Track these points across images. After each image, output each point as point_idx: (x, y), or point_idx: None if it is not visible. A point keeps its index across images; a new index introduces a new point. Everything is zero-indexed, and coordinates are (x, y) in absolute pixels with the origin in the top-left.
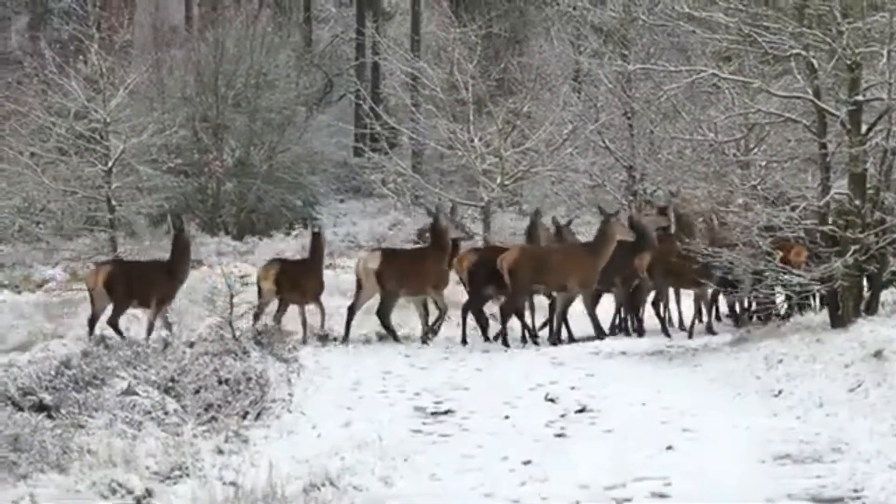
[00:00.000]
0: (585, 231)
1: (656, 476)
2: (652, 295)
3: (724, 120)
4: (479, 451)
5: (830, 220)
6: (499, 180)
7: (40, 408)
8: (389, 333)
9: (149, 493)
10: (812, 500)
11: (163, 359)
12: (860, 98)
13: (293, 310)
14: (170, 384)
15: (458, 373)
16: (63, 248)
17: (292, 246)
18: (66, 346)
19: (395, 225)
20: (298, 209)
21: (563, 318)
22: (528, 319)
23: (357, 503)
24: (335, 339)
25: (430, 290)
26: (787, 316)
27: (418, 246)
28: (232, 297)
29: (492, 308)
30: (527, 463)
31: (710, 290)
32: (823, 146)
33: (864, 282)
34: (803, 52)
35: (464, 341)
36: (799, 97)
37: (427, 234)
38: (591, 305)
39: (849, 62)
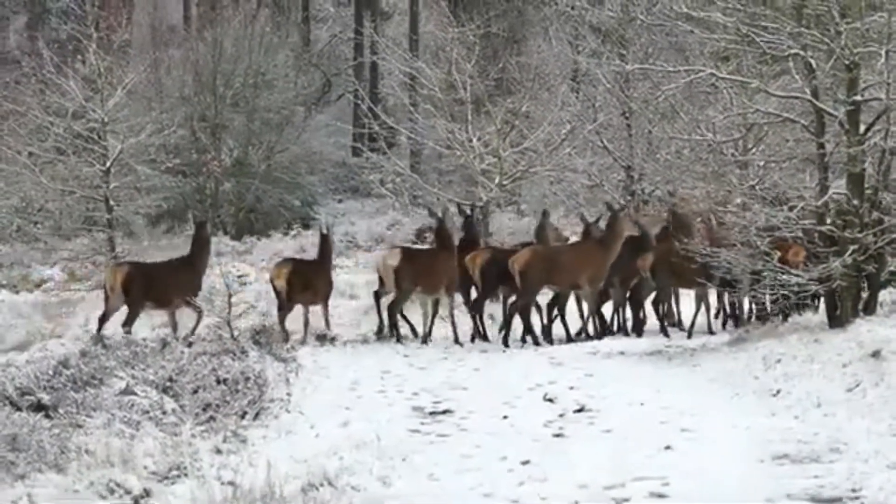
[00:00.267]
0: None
1: (655, 476)
2: (652, 295)
3: (722, 120)
4: (477, 450)
5: (829, 220)
6: (497, 180)
7: (38, 407)
8: (393, 330)
9: (147, 492)
10: (811, 499)
11: (161, 358)
12: (858, 98)
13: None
14: (168, 384)
15: (457, 373)
16: (61, 248)
17: (290, 246)
18: (64, 346)
19: (394, 225)
20: (297, 209)
21: (599, 314)
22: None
23: (355, 503)
24: (333, 340)
25: (442, 290)
26: (785, 316)
27: (430, 247)
28: (230, 296)
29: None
30: (525, 463)
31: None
32: (821, 146)
33: (863, 282)
34: (801, 52)
35: (484, 337)
36: (797, 97)
37: (425, 235)
38: (596, 304)
39: (847, 62)
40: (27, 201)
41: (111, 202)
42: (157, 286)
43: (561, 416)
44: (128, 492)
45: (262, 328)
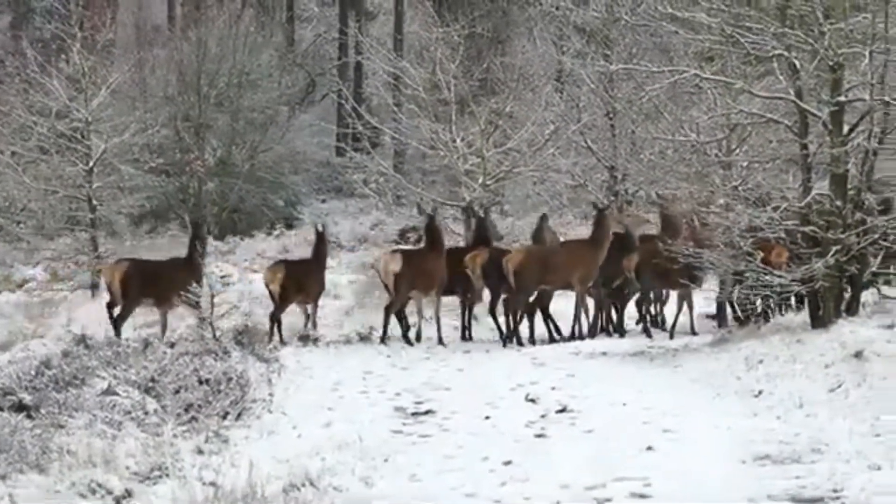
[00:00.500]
0: (567, 231)
1: (637, 476)
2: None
3: (706, 120)
4: (459, 451)
5: (812, 220)
6: (481, 180)
7: (20, 408)
8: (383, 330)
9: (128, 493)
10: (792, 500)
11: (143, 359)
12: (842, 99)
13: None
14: (150, 384)
15: (439, 373)
16: (44, 248)
17: (273, 246)
18: (46, 346)
19: (377, 225)
20: (280, 209)
21: (606, 311)
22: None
23: (337, 503)
24: (316, 340)
25: (434, 290)
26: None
27: (420, 248)
28: (213, 297)
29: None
30: (507, 463)
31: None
32: (805, 147)
33: (845, 283)
34: (785, 53)
35: (514, 339)
36: (781, 98)
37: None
38: (583, 304)
39: (831, 63)
40: (10, 201)
41: (94, 202)
42: (155, 284)
43: (543, 416)
44: (109, 492)
45: (245, 328)
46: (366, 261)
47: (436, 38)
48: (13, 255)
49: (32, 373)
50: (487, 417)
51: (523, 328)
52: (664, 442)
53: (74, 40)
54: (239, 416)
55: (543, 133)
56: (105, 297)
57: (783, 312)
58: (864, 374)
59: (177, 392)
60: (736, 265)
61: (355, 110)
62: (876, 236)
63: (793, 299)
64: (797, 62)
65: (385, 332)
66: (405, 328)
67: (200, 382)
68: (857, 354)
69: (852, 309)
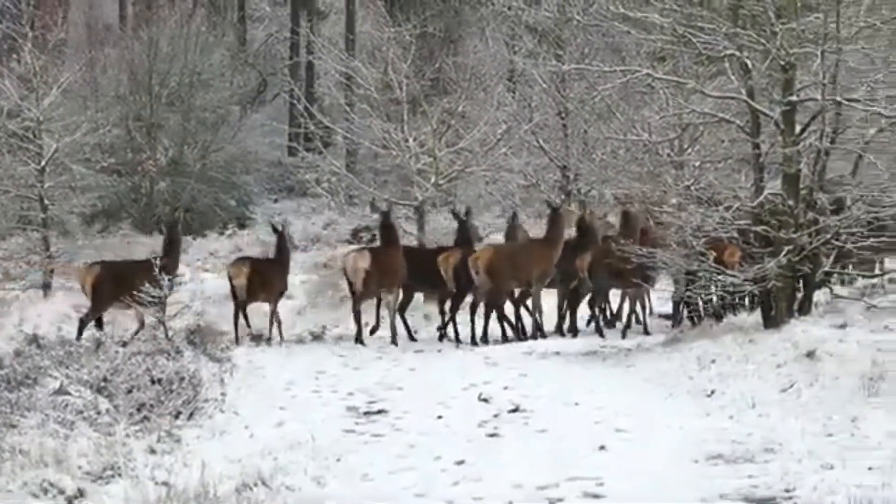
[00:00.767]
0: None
1: (589, 476)
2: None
3: (658, 120)
4: (411, 450)
5: (764, 220)
6: (433, 180)
7: None
8: (358, 330)
9: (81, 492)
10: (744, 500)
11: (95, 358)
12: (794, 99)
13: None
14: (102, 384)
15: (392, 372)
16: None
17: (226, 246)
18: None
19: (329, 224)
20: (232, 209)
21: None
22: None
23: (290, 503)
24: (269, 340)
25: (396, 287)
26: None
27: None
28: (165, 296)
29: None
30: (460, 463)
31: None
32: (757, 146)
33: (798, 282)
34: (737, 53)
35: (476, 340)
36: (733, 98)
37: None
38: (539, 303)
39: (783, 63)
40: None
41: (46, 201)
42: (128, 287)
43: (496, 416)
44: (61, 492)
45: (198, 328)
46: (318, 261)
47: (388, 38)
48: None
49: None
50: (440, 417)
51: (461, 327)
52: (617, 441)
53: (26, 39)
54: (191, 415)
55: (496, 133)
56: (58, 296)
57: (735, 312)
58: (816, 373)
59: (129, 392)
60: (689, 265)
61: (307, 110)
62: (828, 236)
63: (746, 299)
64: (749, 62)
65: (360, 331)
66: (359, 330)
67: (153, 382)
68: (810, 354)
69: (805, 309)
